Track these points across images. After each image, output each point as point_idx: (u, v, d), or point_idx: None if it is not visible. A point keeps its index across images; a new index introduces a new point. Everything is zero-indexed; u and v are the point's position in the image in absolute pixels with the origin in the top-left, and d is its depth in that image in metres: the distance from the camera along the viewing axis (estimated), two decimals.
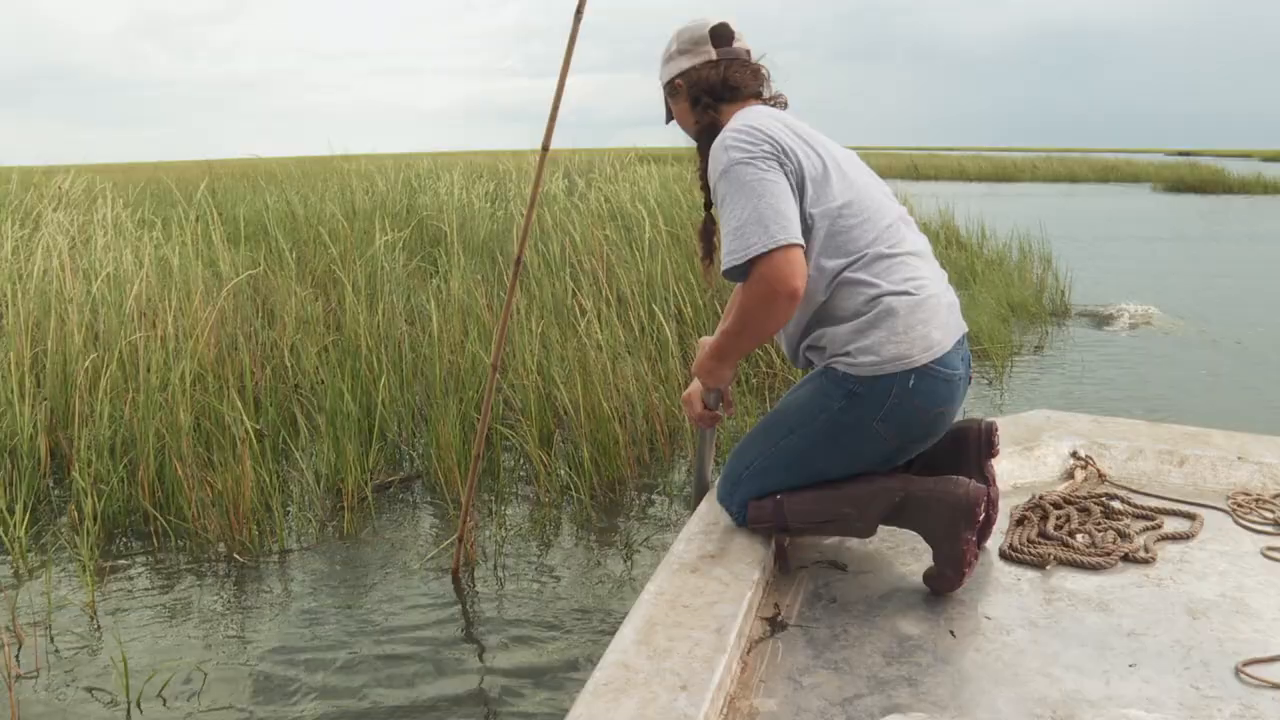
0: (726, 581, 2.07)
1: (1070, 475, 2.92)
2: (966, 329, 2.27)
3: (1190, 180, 34.35)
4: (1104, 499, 2.71)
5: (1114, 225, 20.14)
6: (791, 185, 2.13)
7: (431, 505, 4.63)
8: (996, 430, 2.31)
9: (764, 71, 2.44)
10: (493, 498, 4.72)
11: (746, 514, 2.30)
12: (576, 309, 6.20)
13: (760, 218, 2.05)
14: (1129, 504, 2.70)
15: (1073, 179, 41.93)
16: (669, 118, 2.53)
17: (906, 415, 2.13)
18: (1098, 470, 2.93)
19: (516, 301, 6.28)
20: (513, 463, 5.09)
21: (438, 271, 7.99)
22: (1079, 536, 2.47)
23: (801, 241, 2.06)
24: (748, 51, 2.43)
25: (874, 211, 2.21)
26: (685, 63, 2.41)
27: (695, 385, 2.51)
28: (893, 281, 2.14)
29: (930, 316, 2.14)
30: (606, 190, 10.19)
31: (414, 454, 5.21)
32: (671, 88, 2.46)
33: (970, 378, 2.28)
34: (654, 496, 4.71)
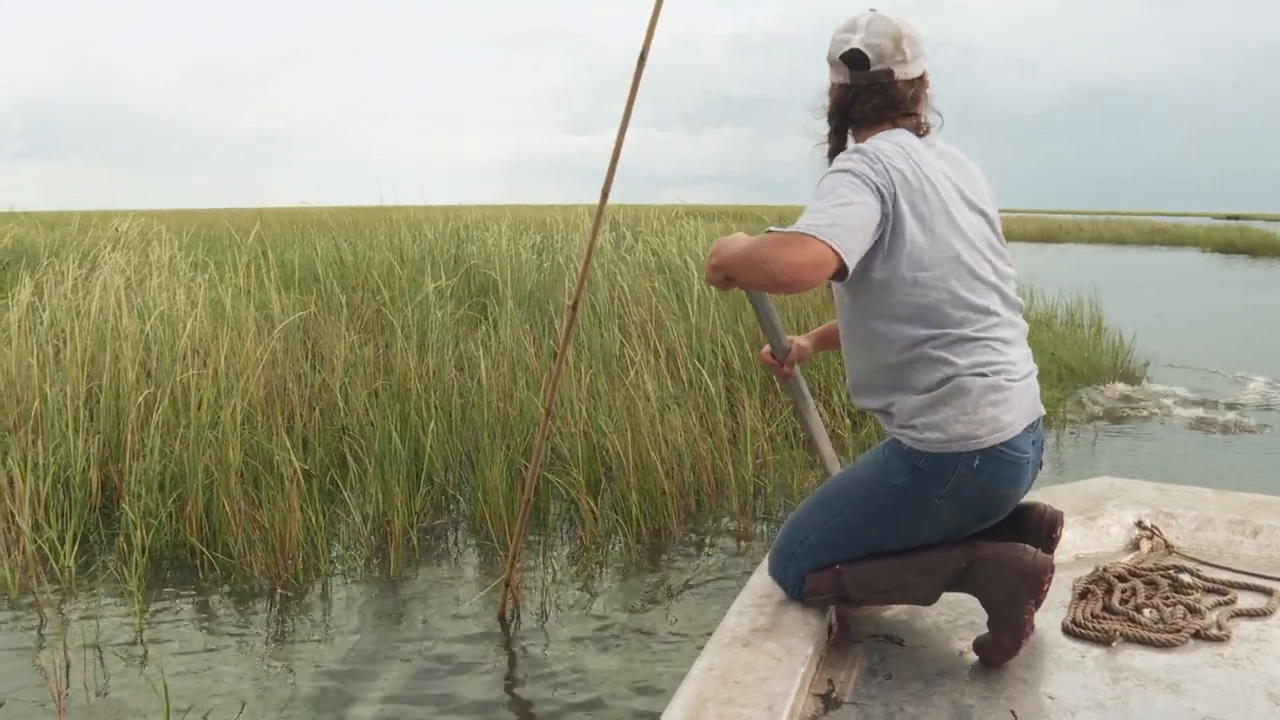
0: (779, 657, 2.01)
1: (1135, 546, 2.80)
2: (1043, 412, 2.20)
3: (1240, 244, 33.95)
4: (1172, 571, 2.58)
5: (1165, 286, 19.95)
6: (880, 223, 2.02)
7: (477, 549, 4.62)
8: (1061, 521, 2.23)
9: (909, 94, 2.25)
10: (540, 542, 4.69)
11: (804, 587, 2.23)
12: (626, 360, 6.20)
13: (835, 218, 1.93)
14: (1199, 577, 2.56)
15: (1119, 241, 41.65)
16: None
17: (970, 494, 2.08)
18: (1164, 541, 2.81)
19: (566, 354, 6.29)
20: (559, 509, 5.07)
21: (486, 319, 8.01)
22: (1146, 611, 2.34)
23: (847, 264, 1.93)
24: (889, 72, 2.22)
25: (972, 285, 2.11)
26: (831, 76, 2.32)
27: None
28: (972, 362, 2.08)
29: (1003, 399, 2.08)
30: (654, 243, 10.22)
31: (461, 498, 5.19)
32: (830, 86, 2.34)
33: (1041, 462, 2.21)
34: (699, 547, 4.67)
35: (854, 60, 2.23)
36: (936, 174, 2.14)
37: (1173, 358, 10.05)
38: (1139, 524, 2.87)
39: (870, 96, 2.24)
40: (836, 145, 2.32)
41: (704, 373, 6.05)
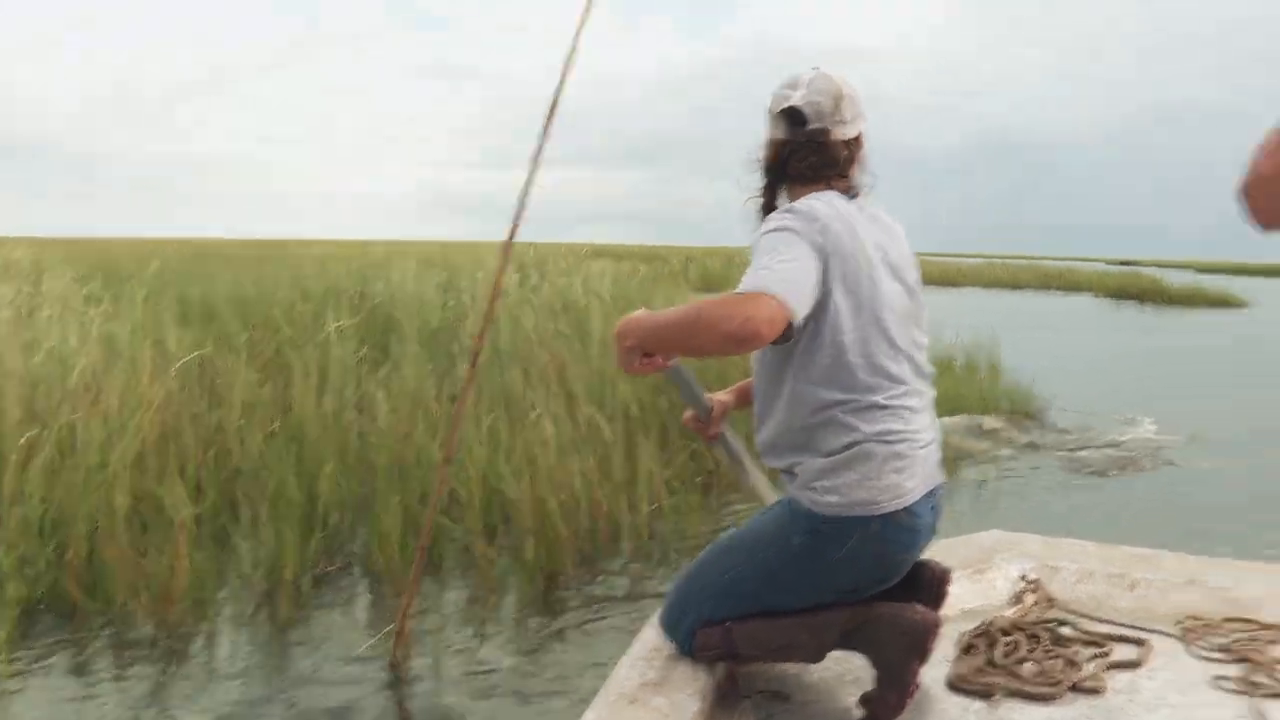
0: (666, 712, 2.02)
1: (1020, 599, 2.88)
2: (942, 480, 2.26)
3: (1131, 289, 35.02)
4: (1053, 624, 2.66)
5: (1058, 331, 20.50)
6: (820, 275, 2.06)
7: (370, 595, 4.57)
8: (949, 578, 2.30)
9: (844, 154, 2.29)
10: (434, 588, 4.66)
11: (693, 642, 2.24)
12: (527, 403, 6.20)
13: (784, 275, 1.98)
14: (1078, 629, 2.65)
15: (1016, 285, 42.76)
16: None
17: (867, 559, 2.12)
18: (1047, 594, 2.89)
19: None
20: (455, 554, 5.03)
21: (388, 359, 7.96)
22: (1027, 665, 2.41)
23: (795, 322, 1.98)
24: (825, 131, 2.26)
25: (888, 353, 2.16)
26: (769, 131, 2.34)
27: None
28: (878, 430, 2.11)
29: (905, 466, 2.12)
30: (560, 284, 10.27)
31: (355, 543, 5.14)
32: (768, 140, 2.37)
33: (936, 527, 2.27)
34: (595, 593, 4.68)
35: (793, 117, 2.27)
36: (865, 239, 2.18)
37: (1068, 400, 10.31)
38: (1024, 577, 2.95)
39: (807, 154, 2.28)
40: (769, 201, 2.36)
41: (601, 417, 6.08)
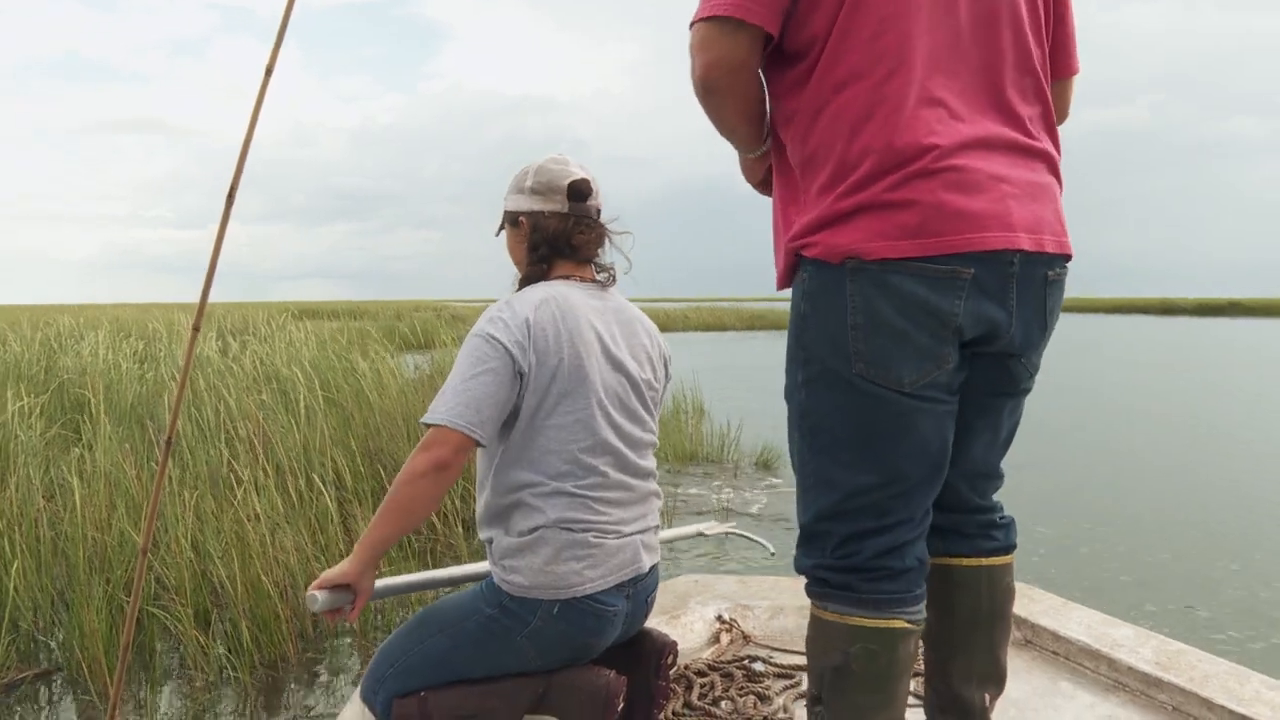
0: None
1: (716, 639, 3.07)
2: (644, 570, 2.34)
3: None
4: (747, 661, 2.86)
5: (770, 369, 21.58)
6: (512, 384, 2.18)
7: (74, 701, 4.35)
8: (673, 649, 2.43)
9: (608, 237, 2.43)
10: (145, 687, 4.50)
11: (391, 713, 2.28)
12: (233, 478, 6.08)
13: (465, 397, 2.12)
14: (771, 664, 2.85)
15: (722, 327, 44.64)
16: (499, 231, 2.49)
17: (551, 639, 2.22)
18: (742, 632, 3.10)
19: (168, 474, 6.09)
20: (167, 646, 4.88)
21: (81, 440, 7.58)
22: (723, 704, 2.59)
23: (481, 441, 2.13)
24: (598, 211, 2.40)
25: (586, 444, 2.25)
26: (535, 204, 2.38)
27: (335, 571, 2.27)
28: (561, 517, 2.21)
29: (588, 555, 2.22)
30: (261, 352, 10.04)
31: (53, 645, 4.89)
32: (514, 218, 2.42)
33: (648, 611, 2.40)
34: (317, 672, 4.64)
35: (579, 191, 2.36)
36: (583, 327, 2.28)
37: (777, 441, 10.95)
38: (719, 618, 3.16)
39: (586, 230, 2.37)
40: (539, 275, 2.39)
41: (316, 486, 6.04)
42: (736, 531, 3.53)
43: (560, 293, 2.31)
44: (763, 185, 2.28)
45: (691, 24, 1.93)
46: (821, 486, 1.99)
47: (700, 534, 3.26)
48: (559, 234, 2.37)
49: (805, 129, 1.94)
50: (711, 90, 1.96)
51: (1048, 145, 2.01)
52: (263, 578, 4.83)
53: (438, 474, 2.11)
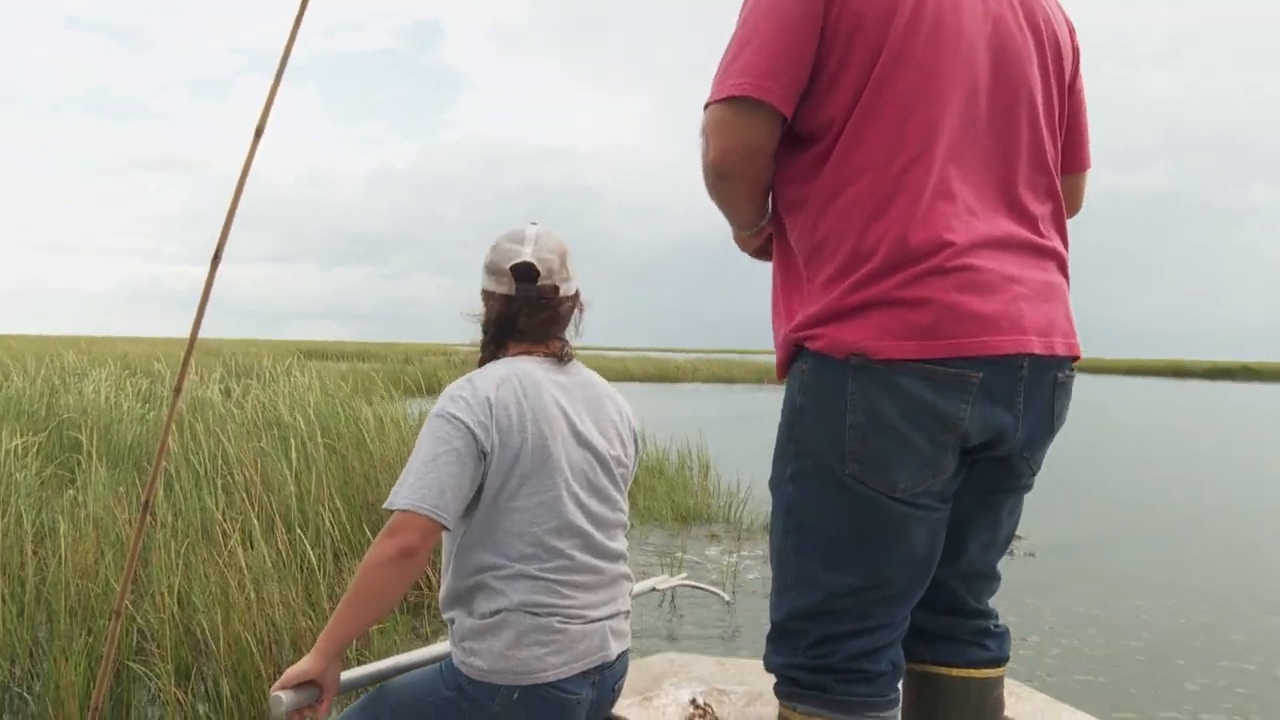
0: None
1: None
2: (618, 651, 2.29)
3: None
4: None
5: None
6: (476, 465, 2.13)
7: None
8: None
9: (563, 312, 2.37)
10: None
11: None
12: (226, 528, 5.98)
13: (428, 480, 2.07)
14: None
15: (730, 379, 44.60)
16: None
17: None
18: (716, 718, 3.01)
19: (159, 521, 6.01)
20: (145, 701, 4.76)
21: (75, 482, 7.50)
22: None
23: (448, 523, 2.08)
24: (555, 289, 2.31)
25: (551, 526, 2.19)
26: (488, 283, 2.34)
27: (298, 668, 2.14)
28: (524, 601, 2.15)
29: (552, 641, 2.15)
30: (264, 396, 9.97)
31: (30, 698, 4.77)
32: (483, 293, 2.38)
33: (614, 699, 2.34)
34: None
35: (523, 273, 2.29)
36: (547, 406, 2.23)
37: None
38: (693, 702, 3.07)
39: (535, 311, 2.31)
40: (490, 356, 2.37)
41: (305, 541, 5.94)
42: (689, 583, 3.43)
43: (522, 370, 2.27)
44: (759, 253, 2.23)
45: (706, 105, 1.88)
46: (801, 585, 1.93)
47: (654, 589, 3.17)
48: (503, 317, 2.33)
49: (815, 216, 1.88)
50: (726, 175, 1.91)
51: (1058, 244, 1.97)
52: (245, 634, 4.71)
53: (404, 561, 2.05)
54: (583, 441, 2.29)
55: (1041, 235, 1.91)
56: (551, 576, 2.18)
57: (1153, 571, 8.41)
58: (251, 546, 5.55)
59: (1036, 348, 1.81)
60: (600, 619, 2.25)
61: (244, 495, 6.75)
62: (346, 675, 2.29)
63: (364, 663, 3.06)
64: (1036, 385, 1.86)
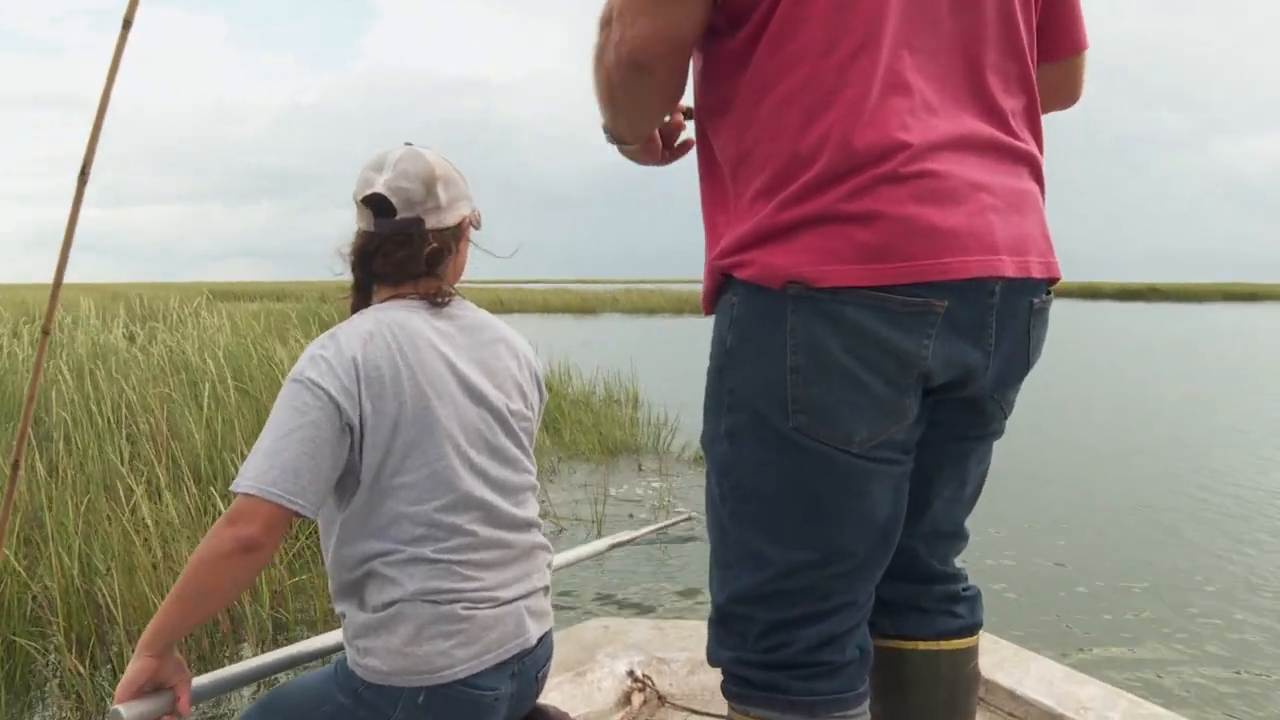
0: None
1: (627, 701, 2.69)
2: (539, 633, 1.97)
3: None
4: None
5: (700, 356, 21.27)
6: (340, 441, 1.79)
7: None
8: None
9: (440, 247, 1.96)
10: None
11: None
12: (130, 481, 5.58)
13: (277, 460, 1.72)
14: None
15: (651, 310, 44.45)
16: None
17: None
18: (656, 691, 2.73)
19: (57, 476, 5.59)
20: (41, 677, 4.39)
21: None
22: None
23: (306, 509, 1.72)
24: (418, 221, 1.93)
25: (444, 498, 1.86)
26: (356, 220, 1.99)
27: (130, 675, 1.75)
28: (421, 588, 1.82)
29: (459, 631, 1.82)
30: (170, 340, 9.47)
31: None
32: (355, 231, 2.01)
33: (539, 689, 2.03)
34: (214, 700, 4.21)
35: (377, 205, 1.93)
36: (427, 359, 1.88)
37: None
38: (630, 674, 2.78)
39: (394, 249, 1.94)
40: (359, 301, 2.02)
41: (216, 493, 5.57)
42: (652, 529, 3.13)
43: (395, 319, 1.90)
44: (657, 156, 1.87)
45: None
46: (745, 562, 1.59)
47: (616, 545, 2.86)
48: (360, 255, 1.97)
49: (742, 119, 1.52)
50: (643, 68, 1.52)
51: (1032, 146, 1.62)
52: (151, 598, 4.36)
53: (244, 556, 1.68)
54: (475, 396, 1.95)
55: (1013, 134, 1.57)
56: (451, 557, 1.84)
57: (1088, 496, 8.38)
58: (160, 500, 5.17)
59: (1009, 269, 1.49)
60: (513, 599, 1.92)
61: (150, 444, 6.34)
62: (208, 678, 1.91)
63: None
64: (1009, 314, 1.54)
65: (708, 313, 1.65)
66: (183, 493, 5.52)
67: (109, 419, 6.94)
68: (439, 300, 1.98)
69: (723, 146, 1.58)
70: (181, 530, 5.02)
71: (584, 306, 44.29)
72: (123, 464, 5.97)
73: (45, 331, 2.63)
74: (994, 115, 1.55)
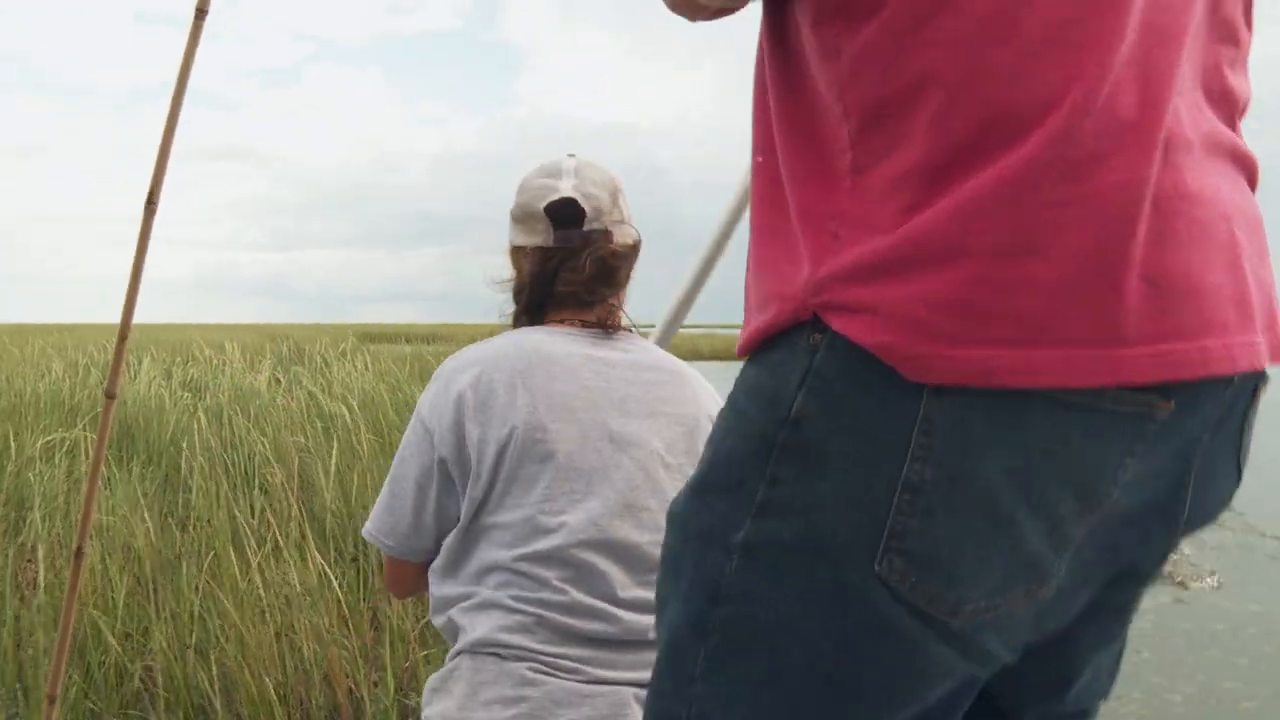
0: None
1: None
2: None
3: None
4: None
5: None
6: (440, 481, 1.64)
7: None
8: None
9: (618, 266, 1.71)
10: None
11: None
12: (258, 539, 5.21)
13: (390, 505, 1.69)
14: None
15: None
16: None
17: None
18: None
19: (180, 537, 5.27)
20: None
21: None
22: None
23: (407, 558, 1.72)
24: (607, 234, 1.68)
25: (539, 541, 1.56)
26: (518, 236, 1.73)
27: None
28: (488, 638, 1.53)
29: (523, 698, 1.46)
30: (312, 384, 9.24)
31: None
32: (511, 251, 1.79)
33: None
34: None
35: (562, 214, 1.65)
36: (559, 389, 1.59)
37: None
38: None
39: (583, 265, 1.67)
40: (525, 322, 1.78)
41: (347, 553, 5.16)
42: None
43: (532, 342, 1.66)
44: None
45: None
46: None
47: None
48: (539, 276, 1.70)
49: (895, 49, 0.87)
50: None
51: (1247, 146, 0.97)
52: (263, 677, 3.92)
53: (397, 591, 1.88)
54: (618, 440, 1.61)
55: (1235, 128, 0.97)
56: (534, 611, 1.52)
57: None
58: (282, 560, 4.78)
59: (1259, 357, 0.89)
60: (616, 682, 1.52)
61: (283, 498, 5.98)
62: None
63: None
64: (1230, 413, 0.93)
65: (743, 354, 1.02)
66: (308, 553, 5.10)
67: (244, 468, 6.65)
68: (607, 327, 1.71)
69: (843, 89, 0.90)
70: (304, 597, 4.59)
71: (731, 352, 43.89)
72: (253, 515, 5.64)
73: (110, 395, 2.21)
74: (1225, 103, 0.95)
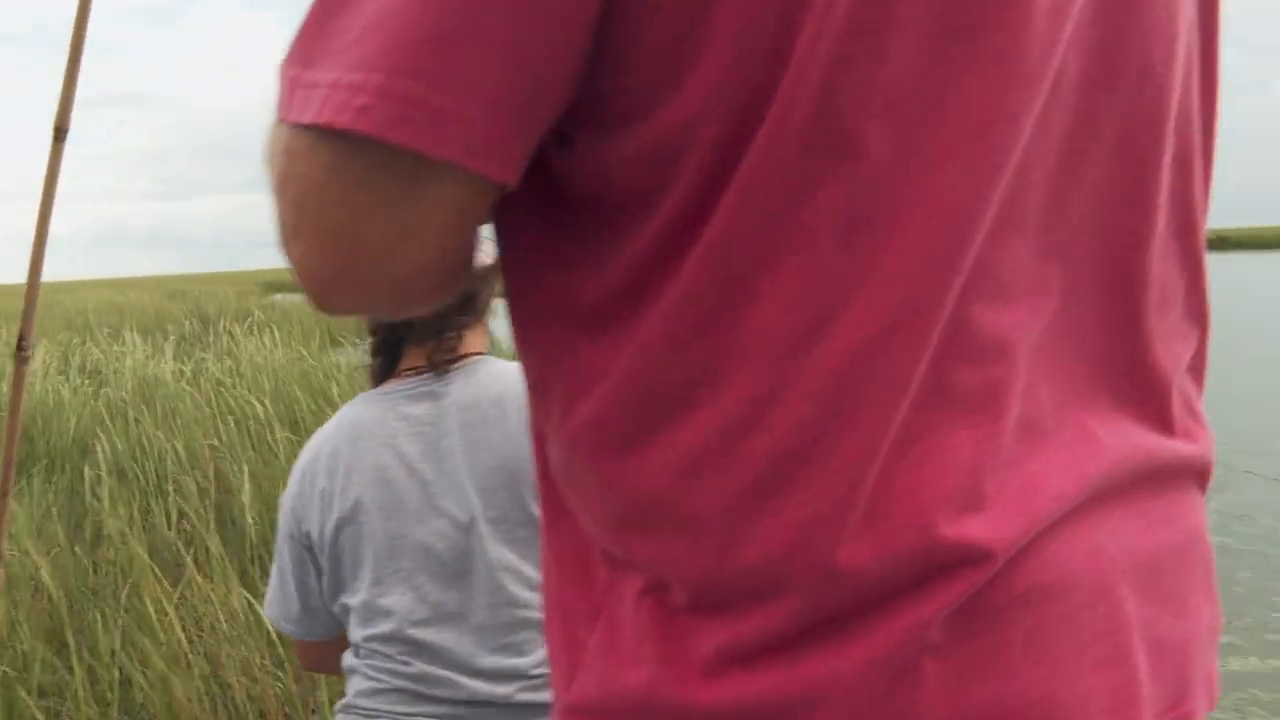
0: None
1: None
2: None
3: None
4: None
5: None
6: (314, 569, 1.65)
7: None
8: None
9: (474, 295, 1.60)
10: None
11: None
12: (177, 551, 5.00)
13: (281, 588, 1.70)
14: None
15: None
16: None
17: None
18: None
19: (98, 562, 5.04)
20: None
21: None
22: None
23: (313, 638, 1.72)
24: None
25: (375, 625, 1.59)
26: None
27: None
28: (354, 701, 1.60)
29: None
30: (219, 368, 8.90)
31: None
32: None
33: None
34: None
35: None
36: (369, 464, 1.57)
37: None
38: None
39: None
40: (382, 375, 1.67)
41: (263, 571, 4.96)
42: None
43: (349, 418, 1.64)
44: None
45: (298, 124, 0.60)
46: None
47: None
48: (385, 325, 1.67)
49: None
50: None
51: (1198, 425, 0.78)
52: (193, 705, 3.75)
53: (316, 670, 1.91)
54: (438, 507, 1.56)
55: (1173, 423, 0.73)
56: (386, 680, 1.58)
57: None
58: (201, 589, 4.57)
59: None
60: None
61: (199, 509, 5.72)
62: None
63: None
64: None
65: None
66: (230, 577, 4.87)
67: (154, 472, 6.35)
68: (448, 362, 1.61)
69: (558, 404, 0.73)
70: (230, 629, 4.39)
71: None
72: (170, 528, 5.42)
73: (20, 354, 1.93)
74: (1148, 389, 0.71)
